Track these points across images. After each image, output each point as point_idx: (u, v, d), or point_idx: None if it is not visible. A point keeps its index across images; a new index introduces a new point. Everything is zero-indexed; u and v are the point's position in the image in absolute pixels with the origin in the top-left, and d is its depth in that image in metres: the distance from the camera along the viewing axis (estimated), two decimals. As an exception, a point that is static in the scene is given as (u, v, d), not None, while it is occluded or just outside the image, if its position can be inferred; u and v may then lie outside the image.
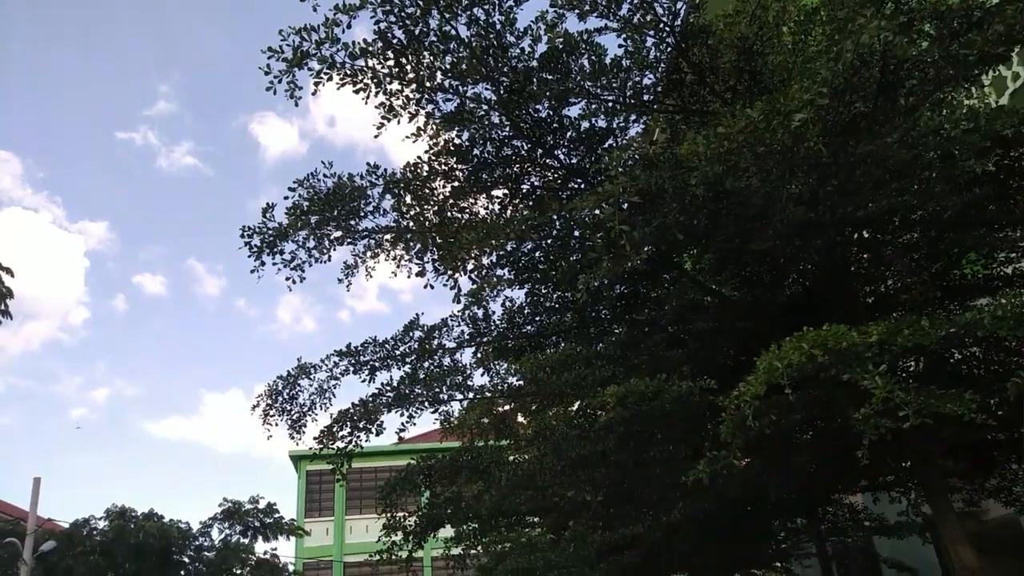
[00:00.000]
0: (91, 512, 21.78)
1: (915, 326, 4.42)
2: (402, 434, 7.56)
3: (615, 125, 6.33)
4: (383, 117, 6.07)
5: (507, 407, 9.57)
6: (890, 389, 4.06)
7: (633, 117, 6.32)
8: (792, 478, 7.28)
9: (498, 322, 7.44)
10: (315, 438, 7.05)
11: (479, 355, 7.66)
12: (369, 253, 6.72)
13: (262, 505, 22.62)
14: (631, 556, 11.91)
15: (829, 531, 11.56)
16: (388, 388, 6.71)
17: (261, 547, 22.95)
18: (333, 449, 7.07)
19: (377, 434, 6.99)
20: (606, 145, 6.35)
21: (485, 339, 7.46)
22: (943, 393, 4.23)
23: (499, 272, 6.73)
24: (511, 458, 8.04)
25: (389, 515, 7.96)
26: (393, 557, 8.17)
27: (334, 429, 6.81)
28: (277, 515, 22.85)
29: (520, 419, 10.35)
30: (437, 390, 6.89)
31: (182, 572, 22.04)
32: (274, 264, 6.49)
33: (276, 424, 7.28)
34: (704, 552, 12.29)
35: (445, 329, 7.44)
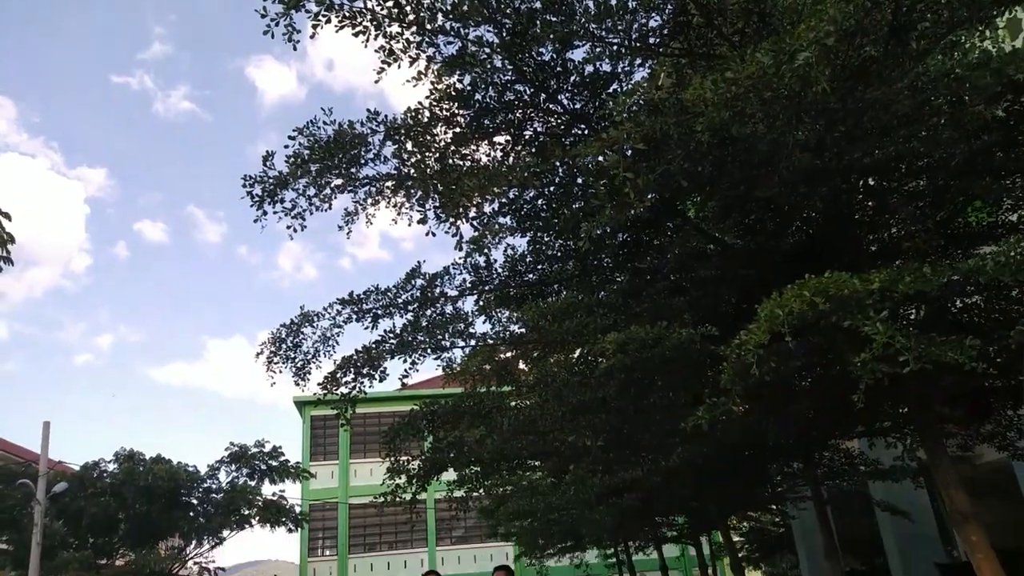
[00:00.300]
0: (100, 455, 22.20)
1: (917, 273, 4.41)
2: (405, 380, 7.63)
3: (620, 69, 6.21)
4: (383, 61, 5.95)
5: (508, 354, 9.65)
6: (890, 334, 4.07)
7: (638, 61, 6.20)
8: (790, 424, 7.38)
9: (500, 270, 7.44)
10: (319, 384, 7.11)
11: (481, 303, 7.68)
12: (370, 200, 6.68)
13: (267, 449, 23.02)
14: (630, 499, 12.18)
15: (825, 475, 11.78)
16: (391, 335, 6.75)
17: (267, 489, 23.47)
18: (337, 395, 7.14)
19: (380, 380, 7.06)
20: (610, 90, 6.24)
21: (487, 287, 7.47)
22: (944, 340, 4.25)
23: (501, 220, 6.69)
24: (512, 404, 8.14)
25: (393, 459, 8.10)
26: (397, 499, 8.33)
27: (338, 375, 6.87)
28: (283, 458, 23.28)
29: (521, 366, 10.45)
30: (439, 337, 6.92)
31: (191, 513, 22.57)
32: (275, 213, 6.45)
33: (280, 371, 7.34)
34: (702, 495, 12.57)
35: (447, 277, 7.45)
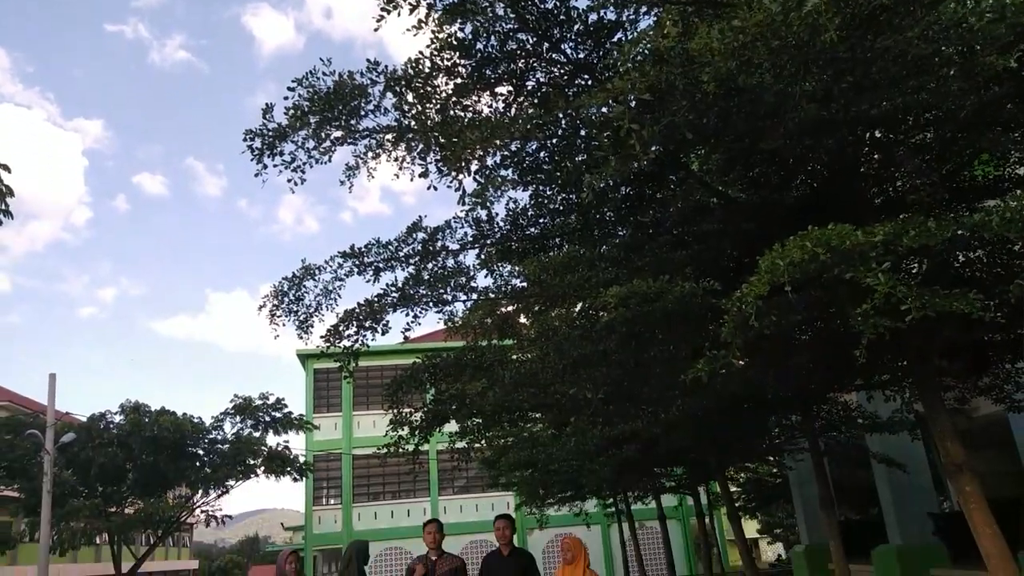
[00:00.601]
0: (106, 407, 22.44)
1: (921, 227, 4.39)
2: (407, 334, 7.67)
3: (625, 18, 6.07)
4: (382, 9, 5.81)
5: (510, 308, 9.67)
6: (892, 286, 4.07)
7: (644, 9, 6.05)
8: (789, 377, 7.43)
9: (502, 224, 7.39)
10: (322, 337, 7.14)
11: (482, 257, 7.66)
12: (370, 153, 6.59)
13: (271, 401, 23.27)
14: (629, 450, 12.37)
15: (823, 428, 11.92)
16: (393, 289, 6.75)
17: (272, 440, 23.79)
18: (340, 348, 7.18)
19: (383, 333, 7.09)
20: (615, 39, 6.12)
21: (488, 241, 7.44)
22: (948, 292, 4.25)
23: (503, 173, 6.63)
24: (514, 357, 8.19)
25: (396, 411, 8.19)
26: (400, 451, 8.45)
27: (340, 328, 6.89)
28: (286, 411, 23.55)
29: (523, 320, 10.48)
30: (441, 291, 6.93)
31: (197, 464, 22.92)
32: (275, 166, 6.39)
33: (283, 324, 7.36)
34: (701, 447, 12.74)
35: (448, 231, 7.41)
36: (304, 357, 34.23)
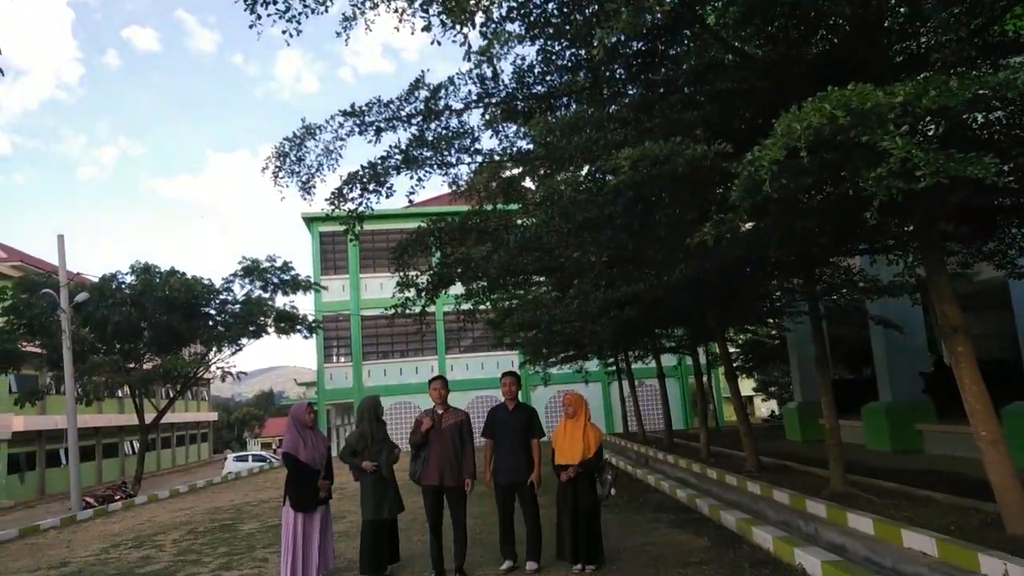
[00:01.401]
0: (115, 268, 22.82)
1: (943, 87, 4.22)
2: (412, 197, 7.60)
3: None
4: None
5: (515, 171, 9.53)
6: (908, 149, 3.98)
7: None
8: (795, 241, 7.42)
9: (507, 82, 7.13)
10: (326, 200, 7.09)
11: (487, 116, 7.45)
12: (368, 3, 6.25)
13: (279, 263, 23.51)
14: (631, 312, 12.59)
15: (823, 291, 12.05)
16: (396, 150, 6.61)
17: (280, 301, 24.24)
18: (344, 211, 7.14)
19: (387, 197, 7.02)
20: None
21: (494, 99, 7.20)
22: (963, 156, 4.15)
23: (510, 27, 6.30)
24: (519, 222, 8.15)
25: (402, 274, 8.26)
26: (407, 311, 8.60)
27: (344, 191, 6.82)
28: (293, 272, 23.84)
29: (528, 184, 10.36)
30: (445, 153, 6.78)
31: (210, 323, 23.52)
32: (269, 16, 6.08)
33: (287, 185, 7.29)
34: (702, 308, 12.96)
35: (452, 89, 7.16)
36: (309, 220, 34.27)
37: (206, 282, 22.77)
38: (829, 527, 7.97)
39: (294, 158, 7.21)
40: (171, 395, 26.32)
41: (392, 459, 6.89)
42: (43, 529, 14.47)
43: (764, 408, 52.48)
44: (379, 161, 6.58)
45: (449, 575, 6.59)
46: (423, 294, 8.54)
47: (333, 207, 7.03)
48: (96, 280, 22.28)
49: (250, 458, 35.34)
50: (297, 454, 6.67)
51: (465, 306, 10.32)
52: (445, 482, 6.60)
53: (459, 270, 8.40)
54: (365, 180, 6.61)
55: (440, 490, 6.65)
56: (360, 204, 6.94)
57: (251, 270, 23.15)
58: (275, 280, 23.36)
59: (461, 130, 6.93)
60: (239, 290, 23.58)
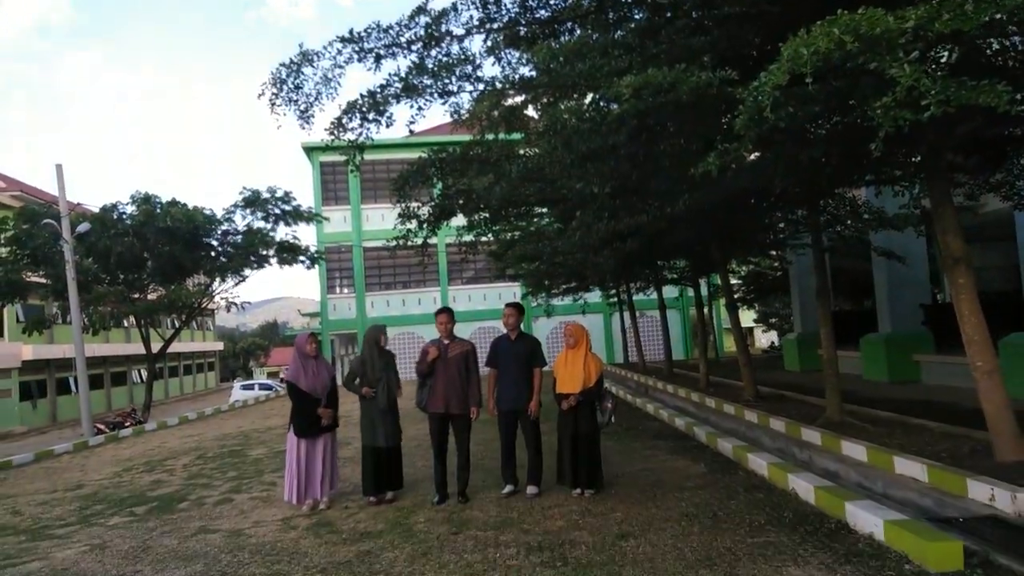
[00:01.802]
0: (115, 199, 22.65)
1: (957, 10, 4.08)
2: (412, 127, 7.48)
3: None
4: None
5: (518, 99, 9.34)
6: (916, 77, 3.88)
7: None
8: (800, 172, 7.34)
9: (510, 5, 6.92)
10: (326, 129, 6.98)
11: (489, 43, 7.25)
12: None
13: (279, 194, 23.33)
14: (634, 244, 12.57)
15: (828, 223, 11.99)
16: (396, 79, 6.46)
17: (282, 232, 24.18)
18: (344, 141, 7.04)
19: (387, 126, 6.91)
20: None
21: (496, 25, 7.00)
22: (975, 84, 4.05)
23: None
24: (521, 152, 8.04)
25: (403, 205, 8.21)
26: (409, 243, 8.59)
27: (343, 120, 6.71)
28: (295, 203, 23.70)
29: (530, 112, 10.17)
30: (446, 81, 6.64)
31: (212, 254, 23.53)
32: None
33: (284, 114, 7.17)
34: (704, 240, 12.93)
35: (453, 14, 6.96)
36: (310, 150, 33.88)
37: (207, 213, 22.67)
38: (823, 454, 8.17)
39: (291, 86, 7.07)
40: (176, 325, 26.57)
41: (392, 394, 6.96)
42: (57, 454, 14.89)
43: (764, 339, 52.98)
44: (378, 90, 6.45)
45: (452, 498, 6.79)
46: (424, 226, 8.51)
47: (333, 137, 6.93)
48: (96, 211, 22.17)
49: (256, 387, 35.95)
50: (297, 382, 6.86)
51: (467, 238, 10.29)
52: (451, 410, 6.75)
53: (460, 201, 8.35)
54: (364, 109, 6.49)
55: (446, 417, 6.80)
56: (360, 134, 6.84)
57: (252, 201, 23.01)
58: (276, 211, 23.24)
59: (462, 57, 6.76)
60: (240, 221, 23.50)
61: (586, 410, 6.63)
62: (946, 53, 5.85)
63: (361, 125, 6.67)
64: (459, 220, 9.72)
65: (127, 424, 21.81)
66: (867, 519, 4.93)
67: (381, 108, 6.48)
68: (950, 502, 5.79)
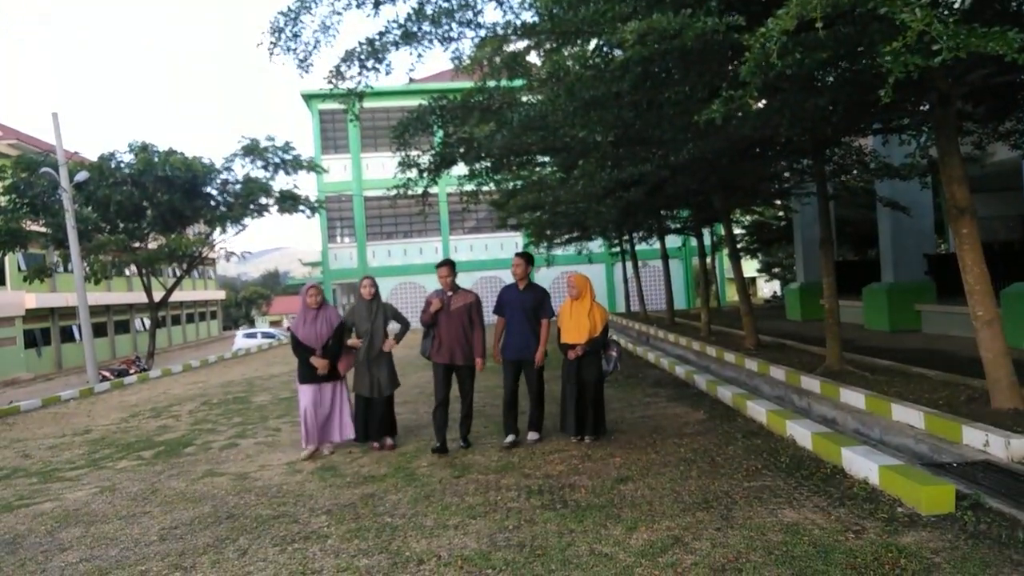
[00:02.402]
0: (112, 147, 22.27)
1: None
2: (412, 74, 7.38)
3: None
4: None
5: (520, 45, 9.17)
6: (928, 23, 3.81)
7: None
8: (806, 120, 7.25)
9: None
10: (324, 78, 6.89)
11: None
12: None
13: (279, 143, 23.08)
14: (637, 193, 12.51)
15: (833, 172, 11.90)
16: (395, 26, 6.32)
17: (282, 182, 24.07)
18: (343, 89, 6.94)
19: (386, 74, 6.80)
20: None
21: (497, -33, 6.83)
22: (985, 31, 3.97)
23: None
24: (524, 99, 7.93)
25: (404, 154, 8.14)
26: (409, 192, 8.55)
27: (342, 69, 6.61)
28: (295, 152, 23.46)
29: (532, 58, 10.00)
30: (446, 27, 6.49)
31: (212, 203, 23.41)
32: None
33: (283, 63, 7.08)
34: (708, 189, 12.85)
35: (453, -44, 6.77)
36: (309, 97, 33.43)
37: (206, 162, 22.47)
38: (822, 402, 8.28)
39: (290, 34, 6.95)
40: (178, 274, 26.63)
41: (376, 345, 7.02)
42: (64, 400, 15.10)
43: (767, 289, 53.12)
44: (377, 37, 6.31)
45: (451, 452, 6.88)
46: (425, 175, 8.45)
47: (332, 86, 6.83)
48: (94, 160, 21.98)
49: (259, 335, 36.23)
50: (296, 332, 7.03)
51: (469, 187, 10.22)
52: (455, 361, 6.81)
53: (461, 150, 8.26)
54: (363, 57, 6.37)
55: (450, 367, 6.87)
56: (359, 83, 6.73)
57: (251, 149, 22.78)
58: (276, 159, 23.03)
59: (464, 3, 6.59)
60: (240, 170, 23.31)
61: (591, 359, 6.70)
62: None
63: (360, 73, 6.56)
64: (460, 169, 9.65)
65: (131, 372, 22.05)
66: (862, 464, 5.03)
67: (380, 56, 6.36)
68: (946, 448, 5.90)
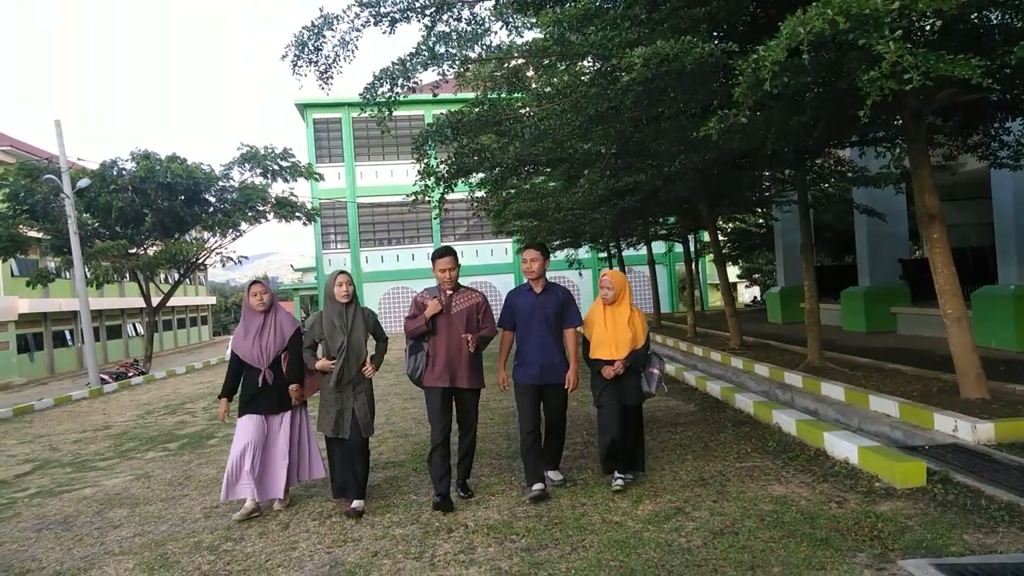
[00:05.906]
0: (114, 155, 22.60)
1: (938, -8, 4.55)
2: (436, 91, 7.92)
3: None
4: None
5: (520, 61, 9.73)
6: (900, 54, 4.38)
7: None
8: (789, 133, 7.85)
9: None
10: (359, 94, 7.42)
11: (496, 6, 7.63)
12: None
13: (278, 151, 23.48)
14: (630, 200, 13.12)
15: (813, 180, 12.53)
16: (424, 48, 6.89)
17: (279, 189, 24.41)
18: (374, 102, 7.47)
19: (413, 91, 7.36)
20: None
21: (504, -10, 7.38)
22: (952, 58, 4.55)
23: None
24: (531, 112, 8.49)
25: (424, 163, 8.66)
26: (426, 199, 9.05)
27: (375, 85, 7.14)
28: (293, 159, 23.87)
29: (531, 74, 10.56)
30: (467, 51, 7.04)
31: (210, 209, 23.75)
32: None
33: (305, 75, 7.59)
34: (696, 197, 13.48)
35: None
36: (304, 107, 33.81)
37: (206, 168, 22.85)
38: (804, 395, 8.87)
39: (312, 48, 7.46)
40: (175, 279, 26.89)
41: (352, 366, 5.17)
42: (75, 399, 15.43)
43: (747, 294, 53.89)
44: (408, 58, 6.85)
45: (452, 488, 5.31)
46: (442, 182, 8.97)
47: (367, 101, 7.36)
48: (95, 168, 22.28)
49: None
50: (235, 348, 5.46)
51: (479, 194, 10.70)
52: (457, 383, 5.14)
53: (475, 159, 8.79)
54: (395, 76, 6.91)
55: (450, 392, 5.17)
56: (390, 98, 7.26)
57: (250, 157, 23.18)
58: (274, 167, 23.45)
59: (484, 28, 7.15)
60: (238, 177, 23.70)
61: (631, 378, 5.30)
62: (929, 24, 6.33)
63: (390, 89, 7.09)
64: (472, 177, 10.14)
65: (130, 374, 22.31)
66: (843, 446, 5.59)
67: (409, 75, 6.91)
68: (919, 433, 6.48)
